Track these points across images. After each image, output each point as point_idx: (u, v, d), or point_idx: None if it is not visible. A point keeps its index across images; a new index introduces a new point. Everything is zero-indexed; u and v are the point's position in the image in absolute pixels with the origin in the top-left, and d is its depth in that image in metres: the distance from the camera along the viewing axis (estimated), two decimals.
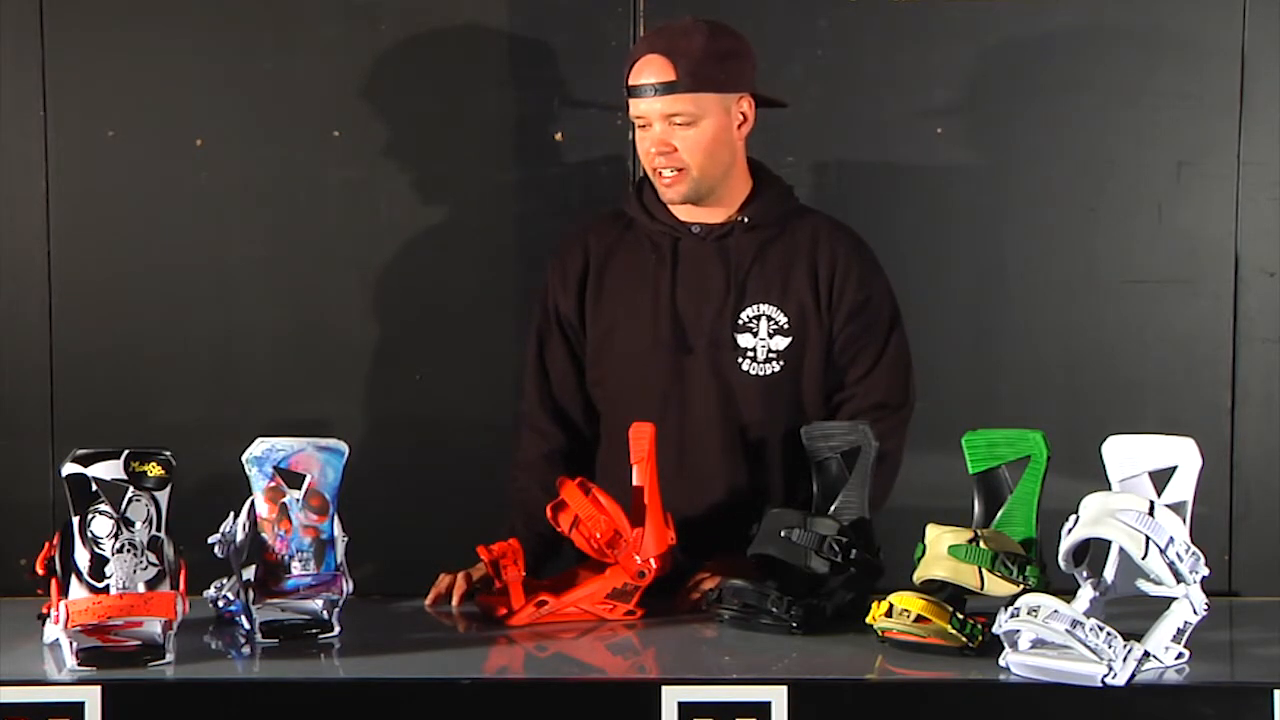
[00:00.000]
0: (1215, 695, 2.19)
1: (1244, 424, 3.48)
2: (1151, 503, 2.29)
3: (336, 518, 2.47)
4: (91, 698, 2.15)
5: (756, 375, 2.83)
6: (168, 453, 2.34)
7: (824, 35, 3.44)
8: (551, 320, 2.93)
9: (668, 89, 2.76)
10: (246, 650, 2.39)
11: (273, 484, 2.45)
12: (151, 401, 3.46)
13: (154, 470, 2.32)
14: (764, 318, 2.83)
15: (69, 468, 2.30)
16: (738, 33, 2.86)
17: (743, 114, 2.83)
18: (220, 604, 2.54)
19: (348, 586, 2.47)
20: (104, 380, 3.47)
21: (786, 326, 2.84)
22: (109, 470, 2.30)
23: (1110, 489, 2.40)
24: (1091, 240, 3.48)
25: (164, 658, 2.26)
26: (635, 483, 2.61)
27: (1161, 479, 2.39)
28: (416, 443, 3.45)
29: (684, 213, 2.87)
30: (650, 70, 2.78)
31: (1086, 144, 3.46)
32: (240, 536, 2.47)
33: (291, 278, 3.48)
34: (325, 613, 2.44)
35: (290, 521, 2.44)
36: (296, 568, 2.44)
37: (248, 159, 3.46)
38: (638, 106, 2.80)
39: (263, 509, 2.45)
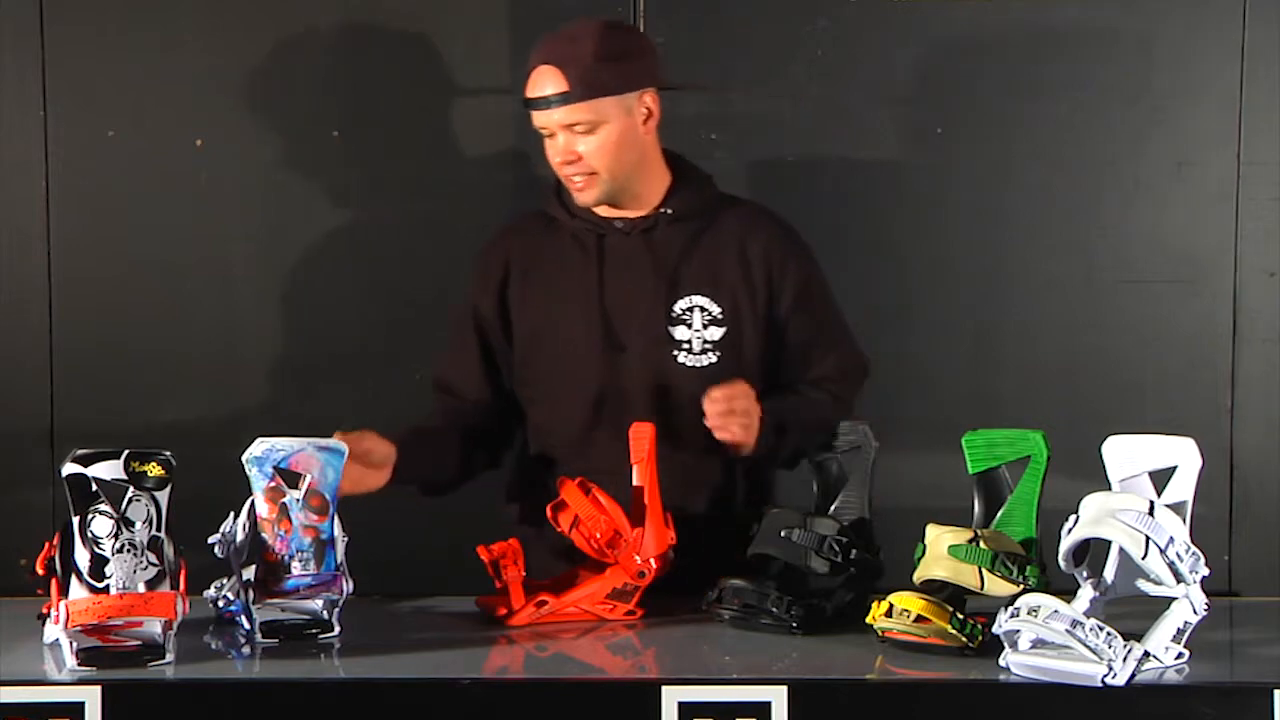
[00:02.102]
0: (1215, 695, 2.19)
1: (1244, 424, 3.48)
2: (1151, 503, 2.28)
3: (336, 518, 2.47)
4: (91, 698, 2.15)
5: (693, 367, 2.81)
6: (168, 453, 2.34)
7: (824, 35, 3.44)
8: (469, 319, 2.91)
9: (562, 100, 2.73)
10: (247, 650, 2.39)
11: (273, 484, 2.44)
12: (151, 401, 3.46)
13: (154, 470, 2.32)
14: (697, 309, 2.82)
15: (69, 468, 2.30)
16: (632, 28, 2.86)
17: (647, 109, 2.80)
18: (220, 604, 2.54)
19: (348, 586, 2.46)
20: (104, 380, 3.47)
21: (720, 316, 2.83)
22: (109, 470, 2.30)
23: (1110, 489, 2.40)
24: (1091, 240, 3.48)
25: (164, 658, 2.26)
26: (635, 483, 2.61)
27: (1161, 479, 2.39)
28: None
29: (605, 209, 2.86)
30: (543, 82, 2.75)
31: (1087, 144, 3.46)
32: (240, 536, 2.46)
33: (291, 278, 3.48)
34: (325, 613, 2.44)
35: (290, 521, 2.44)
36: (296, 568, 2.43)
37: (248, 159, 3.46)
38: (537, 119, 2.78)
39: (263, 509, 2.45)
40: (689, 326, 2.82)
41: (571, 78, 2.73)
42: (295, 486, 2.45)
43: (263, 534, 2.45)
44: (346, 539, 2.49)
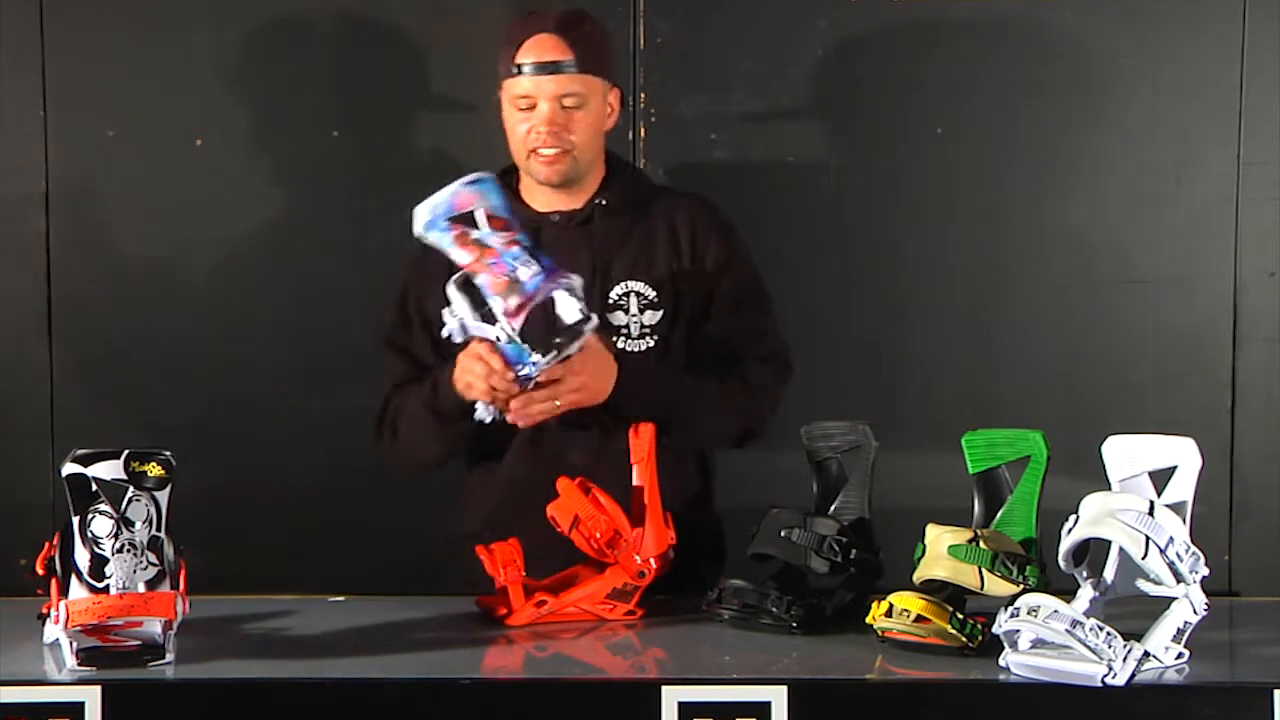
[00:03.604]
0: (1215, 695, 2.19)
1: (1244, 424, 3.48)
2: (1151, 503, 2.28)
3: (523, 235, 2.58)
4: (91, 698, 2.15)
5: (633, 353, 2.84)
6: (168, 453, 2.34)
7: (824, 35, 3.44)
8: (414, 323, 2.90)
9: (563, 68, 2.79)
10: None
11: (456, 231, 2.55)
12: (151, 401, 3.46)
13: (154, 470, 2.32)
14: (632, 294, 2.85)
15: (69, 468, 2.30)
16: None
17: (611, 106, 2.88)
18: (500, 339, 2.58)
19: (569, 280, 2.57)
20: (104, 380, 3.47)
21: (655, 300, 2.86)
22: (109, 470, 2.30)
23: (1110, 489, 2.40)
24: (1091, 240, 3.48)
25: (164, 658, 2.26)
26: (635, 483, 2.61)
27: (1161, 479, 2.39)
28: None
29: (541, 203, 2.89)
30: (543, 48, 2.79)
31: (1087, 144, 3.46)
32: (469, 315, 2.57)
33: (291, 278, 3.48)
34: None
35: (491, 247, 2.54)
36: (524, 272, 2.53)
37: (248, 159, 3.46)
38: (522, 85, 2.81)
39: (462, 257, 2.55)
40: (626, 312, 2.85)
41: (576, 49, 2.79)
42: (473, 223, 2.55)
43: (477, 278, 2.55)
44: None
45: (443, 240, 2.56)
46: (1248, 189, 3.45)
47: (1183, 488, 2.37)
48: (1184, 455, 2.38)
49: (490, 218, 2.56)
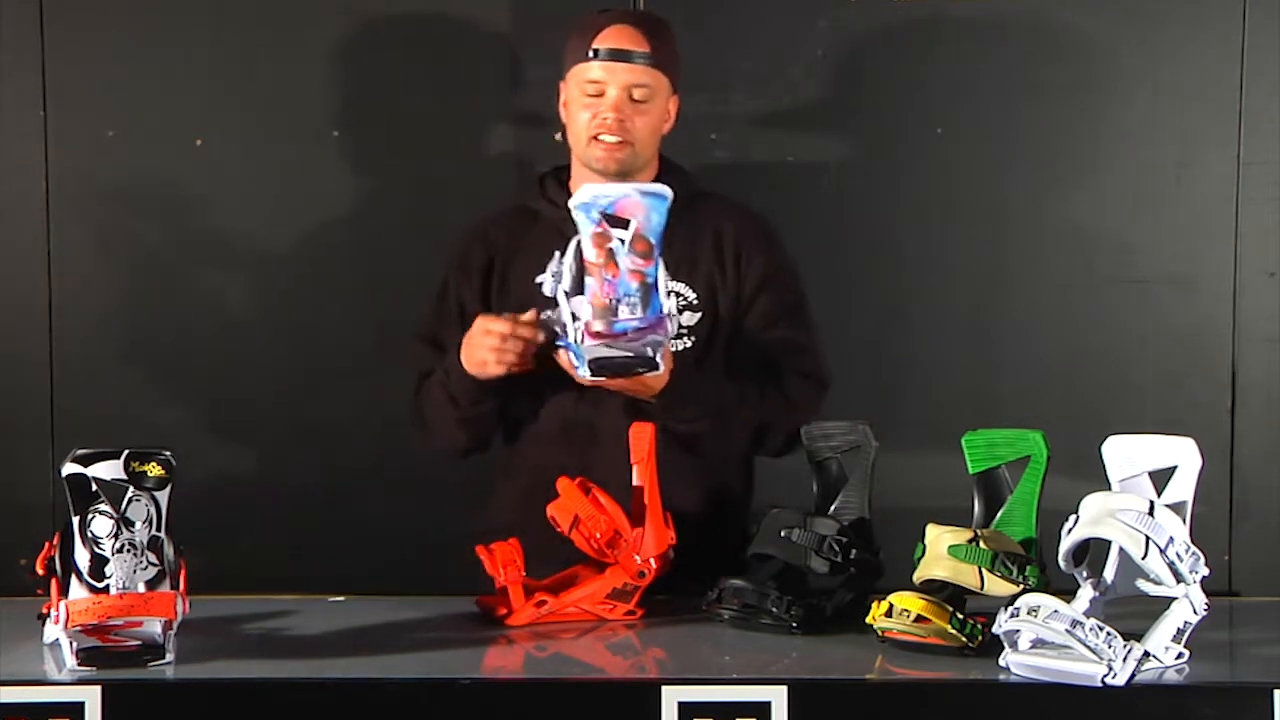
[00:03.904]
0: (1215, 695, 2.19)
1: (1244, 424, 3.48)
2: (1151, 503, 2.28)
3: (661, 263, 2.52)
4: (91, 698, 2.15)
5: (670, 353, 2.83)
6: (168, 453, 2.34)
7: (824, 35, 3.45)
8: (452, 316, 2.91)
9: (638, 59, 2.81)
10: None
11: (599, 229, 2.49)
12: (151, 401, 3.46)
13: (154, 470, 2.31)
14: (673, 294, 2.83)
15: (69, 468, 2.29)
16: None
17: (669, 112, 2.89)
18: (551, 336, 2.59)
19: (671, 328, 2.55)
20: (104, 380, 3.47)
21: (695, 302, 2.86)
22: (109, 470, 2.29)
23: (1110, 489, 2.40)
24: (1092, 240, 3.48)
25: (164, 658, 2.26)
26: (635, 483, 2.61)
27: (1161, 479, 2.39)
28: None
29: None
30: (622, 38, 2.82)
31: (1087, 144, 3.46)
32: (569, 276, 2.53)
33: (291, 278, 3.48)
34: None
35: (617, 266, 2.48)
36: (624, 311, 2.49)
37: (248, 159, 3.46)
38: (594, 70, 2.82)
39: (590, 253, 2.50)
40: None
41: (653, 43, 2.82)
42: (625, 228, 2.50)
43: (589, 278, 2.50)
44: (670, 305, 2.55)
45: (585, 228, 2.51)
46: (1248, 189, 3.45)
47: (1183, 488, 2.37)
48: (1184, 455, 2.38)
49: (638, 236, 2.50)
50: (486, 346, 2.70)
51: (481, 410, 2.83)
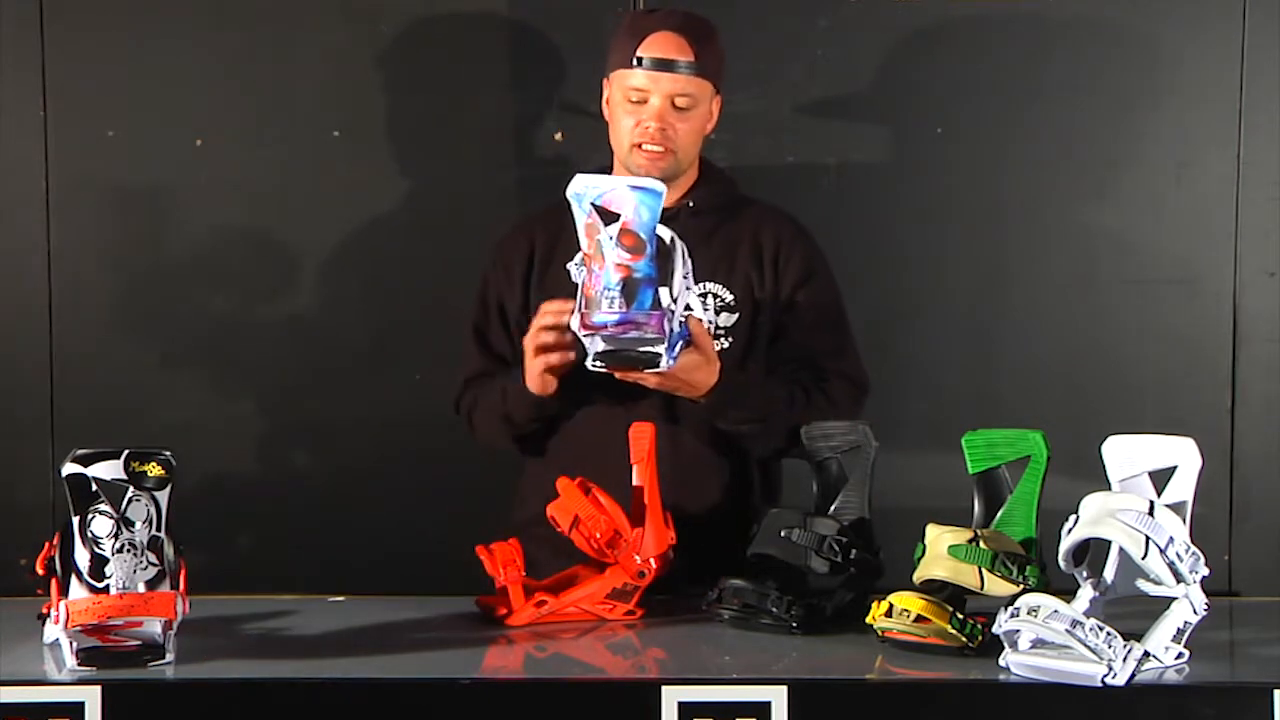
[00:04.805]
0: (1215, 695, 2.19)
1: (1244, 424, 3.48)
2: (1151, 503, 2.28)
3: (682, 261, 2.52)
4: (91, 698, 2.15)
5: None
6: (168, 453, 2.34)
7: (824, 35, 3.45)
8: (493, 314, 2.93)
9: (682, 68, 2.80)
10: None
11: (590, 220, 2.49)
12: (151, 401, 3.46)
13: (154, 470, 2.31)
14: (710, 295, 2.85)
15: (69, 468, 2.29)
16: None
17: (711, 114, 2.89)
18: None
19: (672, 327, 2.50)
20: (104, 380, 3.47)
21: (732, 303, 2.87)
22: (109, 470, 2.29)
23: (1110, 489, 2.40)
24: (1091, 240, 3.48)
25: (164, 658, 2.26)
26: (635, 483, 2.61)
27: (1161, 479, 2.39)
28: (416, 442, 3.44)
29: None
30: (667, 46, 2.80)
31: (1087, 144, 3.46)
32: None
33: (291, 277, 3.48)
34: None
35: (604, 259, 2.48)
36: (604, 305, 2.47)
37: (248, 159, 3.46)
38: (638, 78, 2.81)
39: (584, 244, 2.50)
40: (702, 310, 2.83)
41: (699, 51, 2.81)
42: (612, 224, 2.48)
43: (582, 268, 2.53)
44: (684, 314, 2.55)
45: (579, 217, 2.51)
46: (1248, 189, 3.45)
47: (1183, 488, 2.37)
48: (1184, 455, 2.38)
49: (625, 230, 2.47)
50: (533, 369, 2.72)
51: (537, 427, 2.86)
